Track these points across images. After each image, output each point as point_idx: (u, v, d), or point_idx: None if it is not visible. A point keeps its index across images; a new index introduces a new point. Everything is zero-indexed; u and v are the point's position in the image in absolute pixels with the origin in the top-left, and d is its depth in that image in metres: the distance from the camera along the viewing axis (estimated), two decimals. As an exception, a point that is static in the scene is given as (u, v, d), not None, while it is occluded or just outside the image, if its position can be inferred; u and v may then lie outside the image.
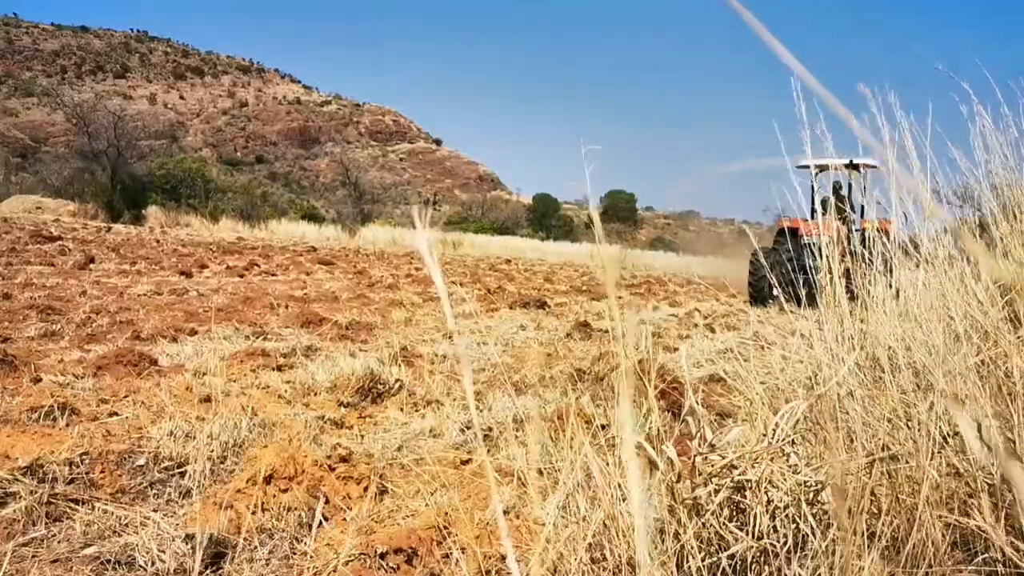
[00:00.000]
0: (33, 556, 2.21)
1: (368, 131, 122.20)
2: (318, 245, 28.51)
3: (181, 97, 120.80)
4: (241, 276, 13.39)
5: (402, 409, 4.12)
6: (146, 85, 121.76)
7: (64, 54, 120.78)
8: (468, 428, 3.76)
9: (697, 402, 3.20)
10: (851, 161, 11.93)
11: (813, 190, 13.31)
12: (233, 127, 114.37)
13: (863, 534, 1.67)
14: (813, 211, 14.48)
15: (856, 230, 11.48)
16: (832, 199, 6.63)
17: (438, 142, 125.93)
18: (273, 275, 14.09)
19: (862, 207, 12.39)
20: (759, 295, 13.78)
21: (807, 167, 13.01)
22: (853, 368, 2.62)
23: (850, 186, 13.75)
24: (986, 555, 1.62)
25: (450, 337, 7.05)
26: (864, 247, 6.97)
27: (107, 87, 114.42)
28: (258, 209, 41.79)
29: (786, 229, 13.82)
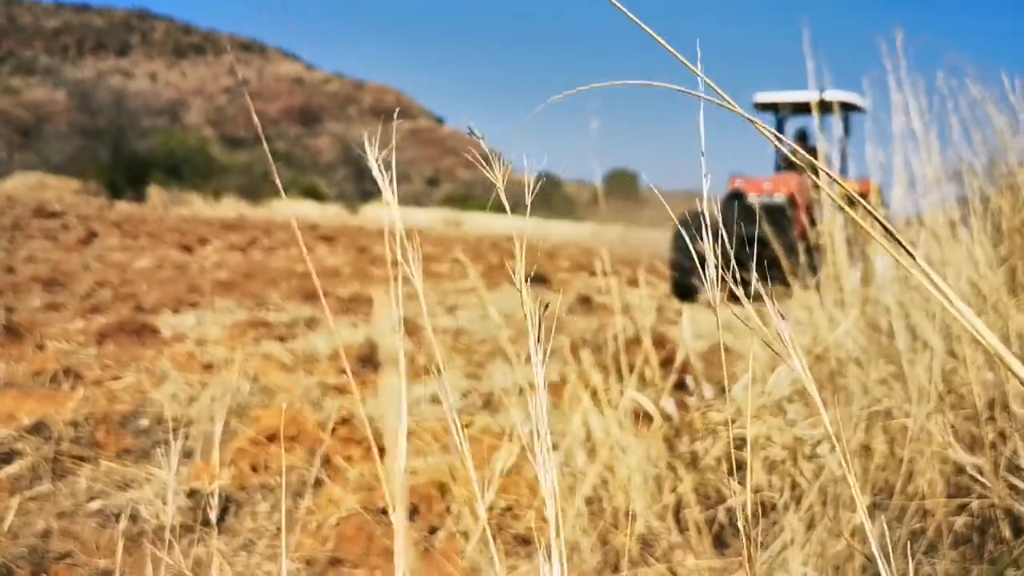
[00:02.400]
0: (39, 510, 2.24)
1: (370, 109, 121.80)
2: (320, 223, 28.51)
3: (183, 75, 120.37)
4: (243, 252, 13.40)
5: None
6: (147, 63, 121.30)
7: (65, 32, 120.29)
8: (469, 394, 3.79)
9: (699, 370, 3.22)
10: (822, 98, 9.01)
11: (779, 138, 11.00)
12: (234, 105, 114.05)
13: (855, 477, 1.69)
14: (778, 166, 11.73)
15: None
16: (813, 144, 6.38)
17: (440, 120, 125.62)
18: (275, 251, 14.10)
19: (841, 160, 9.58)
20: (682, 284, 9.60)
21: (771, 107, 10.21)
22: (852, 332, 2.63)
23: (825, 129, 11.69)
24: (981, 499, 1.64)
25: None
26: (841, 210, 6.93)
27: (108, 65, 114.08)
28: (259, 187, 41.73)
29: (736, 192, 10.02)
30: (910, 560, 0.69)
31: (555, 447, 2.51)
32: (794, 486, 2.03)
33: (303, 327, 5.60)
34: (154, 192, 35.65)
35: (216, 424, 3.04)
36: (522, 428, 2.82)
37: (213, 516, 2.24)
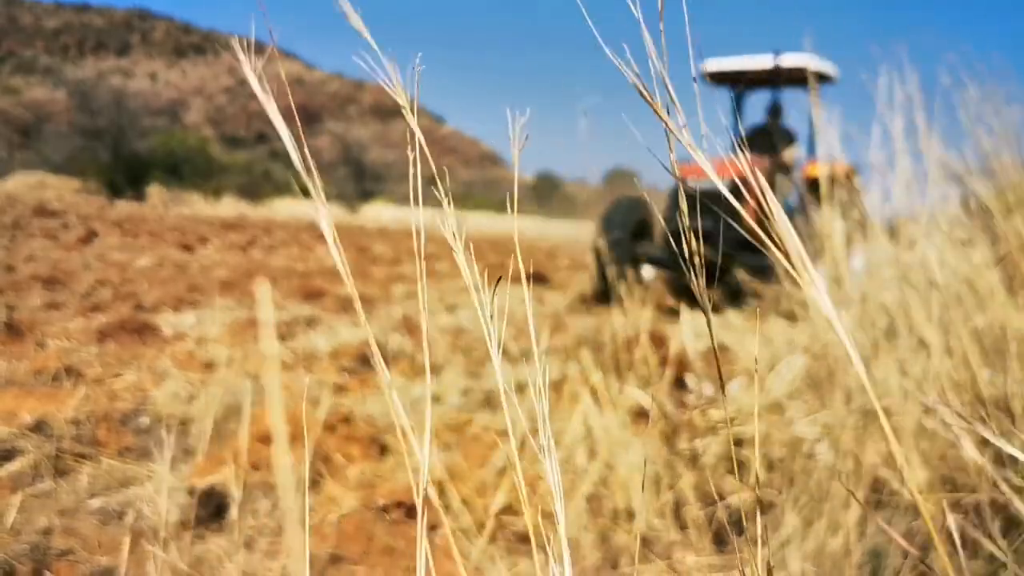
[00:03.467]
0: (41, 507, 2.25)
1: (370, 109, 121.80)
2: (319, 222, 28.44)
3: (183, 74, 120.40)
4: (243, 251, 13.41)
5: (404, 375, 4.15)
6: (147, 63, 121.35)
7: (65, 32, 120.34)
8: (469, 393, 3.80)
9: (698, 369, 3.23)
10: (777, 65, 7.32)
11: (738, 113, 8.72)
12: (234, 105, 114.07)
13: (851, 474, 1.70)
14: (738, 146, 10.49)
15: (791, 172, 8.25)
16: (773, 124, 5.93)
17: (440, 119, 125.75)
18: (275, 250, 14.11)
19: (810, 141, 7.81)
20: (602, 286, 8.03)
21: (727, 79, 8.40)
22: (851, 329, 2.64)
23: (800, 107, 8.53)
24: (975, 495, 1.65)
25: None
26: (809, 197, 6.66)
27: (108, 65, 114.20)
28: (259, 187, 41.78)
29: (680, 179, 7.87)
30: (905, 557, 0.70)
31: (556, 445, 2.52)
32: (793, 483, 2.04)
33: (303, 326, 5.61)
34: (154, 191, 35.66)
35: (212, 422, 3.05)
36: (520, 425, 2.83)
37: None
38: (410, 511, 2.33)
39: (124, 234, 14.37)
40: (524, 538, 2.18)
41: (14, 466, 2.47)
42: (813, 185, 7.43)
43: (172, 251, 11.96)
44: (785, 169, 7.52)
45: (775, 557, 1.75)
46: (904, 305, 2.65)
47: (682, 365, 3.54)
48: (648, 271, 7.92)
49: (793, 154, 7.84)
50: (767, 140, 7.83)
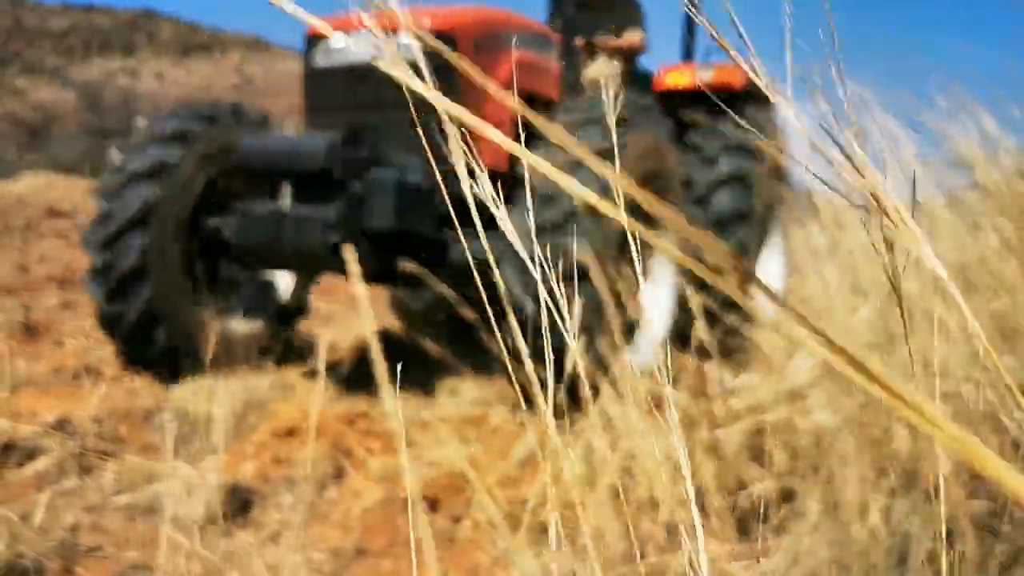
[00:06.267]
0: (67, 505, 2.27)
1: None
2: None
3: (189, 73, 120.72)
4: (254, 249, 13.43)
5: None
6: (154, 63, 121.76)
7: (72, 33, 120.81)
8: (484, 388, 3.80)
9: (715, 359, 3.22)
10: None
11: None
12: (241, 103, 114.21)
13: (872, 462, 1.70)
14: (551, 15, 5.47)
15: (634, 72, 5.14)
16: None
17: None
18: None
19: (685, 32, 5.13)
20: (126, 335, 3.61)
21: None
22: (871, 319, 2.63)
23: None
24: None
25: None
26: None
27: (115, 65, 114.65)
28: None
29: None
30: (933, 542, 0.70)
31: (576, 437, 2.52)
32: (817, 471, 2.04)
33: (320, 321, 5.63)
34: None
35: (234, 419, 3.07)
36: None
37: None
38: (433, 504, 2.34)
39: (135, 233, 14.40)
40: (548, 529, 2.19)
41: (39, 464, 2.49)
42: (671, 101, 4.53)
43: (183, 250, 11.98)
44: (624, 62, 4.88)
45: (800, 545, 1.76)
46: (921, 290, 2.64)
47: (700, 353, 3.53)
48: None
49: (638, 39, 4.92)
50: (588, 14, 4.82)
